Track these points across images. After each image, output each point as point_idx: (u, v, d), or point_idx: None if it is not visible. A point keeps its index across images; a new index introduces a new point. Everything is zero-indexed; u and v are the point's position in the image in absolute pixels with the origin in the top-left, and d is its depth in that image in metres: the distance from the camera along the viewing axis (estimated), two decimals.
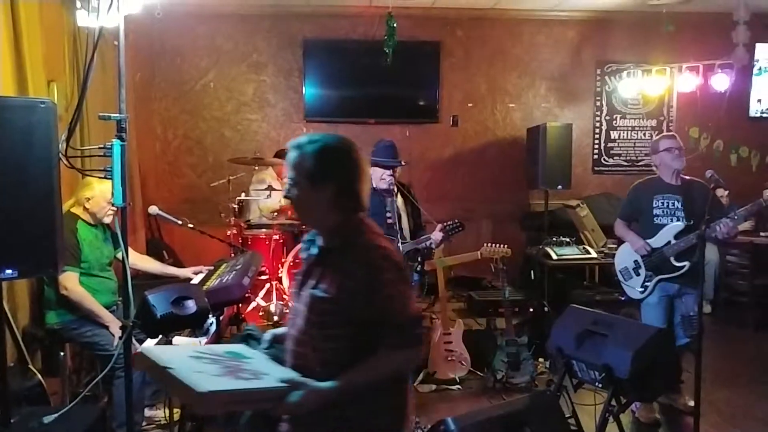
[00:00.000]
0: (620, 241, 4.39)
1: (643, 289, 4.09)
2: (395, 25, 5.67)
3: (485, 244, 4.62)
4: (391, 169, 3.79)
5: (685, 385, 3.98)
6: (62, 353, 3.63)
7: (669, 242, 3.97)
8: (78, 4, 3.25)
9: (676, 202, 4.03)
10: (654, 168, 4.26)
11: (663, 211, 4.05)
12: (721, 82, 6.17)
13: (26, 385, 3.15)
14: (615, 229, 4.37)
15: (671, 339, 3.40)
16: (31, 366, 3.24)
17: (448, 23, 6.90)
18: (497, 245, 4.60)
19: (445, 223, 3.89)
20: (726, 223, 3.71)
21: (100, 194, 3.59)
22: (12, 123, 2.18)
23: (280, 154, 6.30)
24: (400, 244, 3.66)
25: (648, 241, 4.05)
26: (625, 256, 4.21)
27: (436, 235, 3.83)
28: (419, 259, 3.92)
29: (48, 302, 3.58)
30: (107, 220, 3.72)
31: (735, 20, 5.78)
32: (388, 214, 3.78)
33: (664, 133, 4.45)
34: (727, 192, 5.60)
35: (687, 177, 4.12)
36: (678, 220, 3.99)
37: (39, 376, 3.23)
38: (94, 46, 2.37)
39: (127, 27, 2.57)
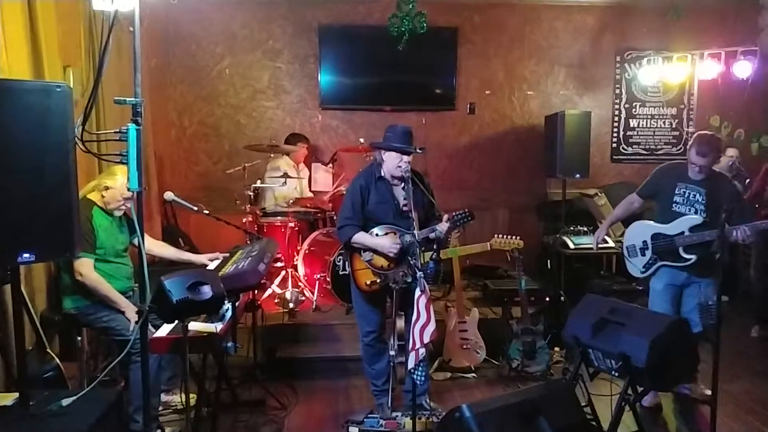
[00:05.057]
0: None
1: (644, 269, 4.17)
2: (415, 10, 5.57)
3: (495, 236, 4.58)
4: (407, 155, 3.72)
5: (702, 374, 3.96)
6: (79, 338, 3.67)
7: (682, 233, 3.95)
8: None
9: (698, 195, 3.96)
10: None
11: (683, 200, 4.01)
12: (744, 69, 6.03)
13: (44, 369, 3.17)
14: (624, 200, 4.39)
15: (689, 329, 3.36)
16: (49, 350, 3.27)
17: (465, 9, 6.82)
18: (509, 237, 4.55)
19: (453, 213, 3.81)
20: (744, 230, 3.69)
21: (120, 187, 3.57)
22: (28, 107, 2.18)
23: (290, 139, 6.30)
24: (415, 232, 3.61)
25: (662, 226, 4.06)
26: (635, 234, 4.23)
27: (443, 225, 3.73)
28: (434, 247, 3.87)
29: (64, 288, 3.61)
30: (117, 213, 3.72)
31: (761, 4, 5.65)
32: (404, 201, 3.71)
33: (703, 141, 3.92)
34: (747, 180, 5.49)
35: (716, 170, 4.07)
36: (696, 212, 3.94)
37: (57, 360, 3.26)
38: (109, 30, 2.36)
39: (142, 12, 2.55)
